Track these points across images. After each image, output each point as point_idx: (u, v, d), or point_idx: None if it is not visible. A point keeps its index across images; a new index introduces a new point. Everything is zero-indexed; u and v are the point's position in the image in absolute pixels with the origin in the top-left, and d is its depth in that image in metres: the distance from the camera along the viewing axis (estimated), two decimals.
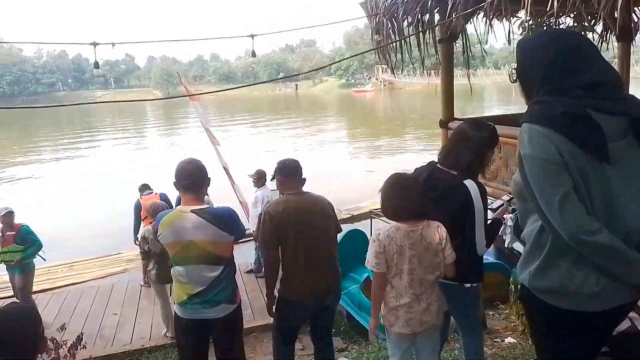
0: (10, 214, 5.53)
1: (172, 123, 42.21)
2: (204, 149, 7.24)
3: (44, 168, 21.10)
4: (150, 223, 5.35)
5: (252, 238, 6.70)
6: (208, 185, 2.85)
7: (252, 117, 42.80)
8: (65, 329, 5.22)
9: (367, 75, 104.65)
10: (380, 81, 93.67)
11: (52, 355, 4.19)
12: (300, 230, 2.95)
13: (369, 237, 6.47)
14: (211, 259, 2.70)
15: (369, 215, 10.46)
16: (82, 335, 4.29)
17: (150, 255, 5.01)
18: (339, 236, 5.91)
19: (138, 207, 6.72)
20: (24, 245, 5.54)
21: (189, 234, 2.64)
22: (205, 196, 6.98)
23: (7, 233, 5.46)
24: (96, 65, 4.65)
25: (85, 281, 7.74)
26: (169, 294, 5.25)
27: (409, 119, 36.98)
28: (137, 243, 6.91)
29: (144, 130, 39.08)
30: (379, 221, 6.53)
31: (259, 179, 6.52)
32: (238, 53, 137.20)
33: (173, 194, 6.43)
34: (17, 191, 16.10)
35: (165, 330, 5.20)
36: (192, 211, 2.65)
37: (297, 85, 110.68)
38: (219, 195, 7.62)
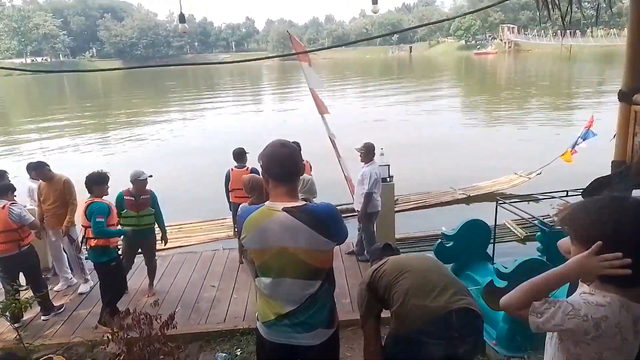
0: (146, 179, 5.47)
1: (284, 85, 42.90)
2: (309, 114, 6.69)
3: (170, 126, 22.55)
4: (239, 198, 4.96)
5: (356, 215, 6.10)
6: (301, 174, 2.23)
7: (362, 81, 41.75)
8: (159, 305, 5.23)
9: (489, 36, 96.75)
10: (505, 42, 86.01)
11: (145, 331, 4.01)
12: None
13: (491, 228, 5.57)
14: (307, 271, 2.10)
15: (490, 198, 9.30)
16: (174, 314, 4.08)
17: None
18: (457, 224, 5.14)
19: (227, 179, 6.56)
20: (154, 209, 5.55)
21: (279, 239, 2.05)
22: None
23: (142, 197, 5.43)
24: (181, 18, 4.21)
25: (191, 245, 7.80)
26: None
27: (539, 86, 33.13)
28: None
29: (260, 92, 40.17)
30: (505, 210, 5.49)
31: (367, 153, 5.80)
32: (353, 14, 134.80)
33: None
34: (142, 149, 17.29)
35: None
36: (285, 209, 2.04)
37: (411, 47, 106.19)
38: (322, 167, 7.20)
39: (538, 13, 4.46)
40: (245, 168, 6.46)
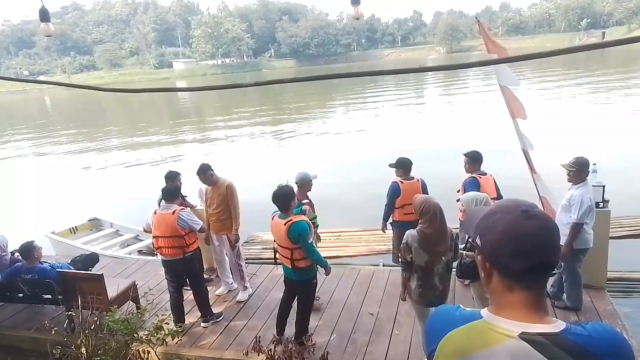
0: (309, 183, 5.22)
1: (451, 81, 40.56)
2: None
3: (336, 123, 22.85)
4: (408, 215, 4.05)
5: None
6: None
7: (543, 73, 37.08)
8: (315, 328, 4.71)
9: None
10: None
11: None
12: None
13: None
14: None
15: None
16: (327, 355, 3.50)
17: (413, 268, 3.78)
18: None
19: (396, 192, 5.51)
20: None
21: None
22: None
23: (305, 201, 5.15)
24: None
25: (348, 256, 7.27)
26: None
27: None
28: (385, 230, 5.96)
29: (424, 87, 38.69)
30: None
31: (579, 172, 4.43)
32: (532, 0, 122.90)
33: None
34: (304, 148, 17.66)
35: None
36: (525, 337, 1.07)
37: (604, 33, 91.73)
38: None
39: None
40: (416, 180, 5.61)
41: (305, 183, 5.11)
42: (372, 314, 5.12)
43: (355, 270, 6.34)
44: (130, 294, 5.35)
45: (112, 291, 4.99)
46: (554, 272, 4.64)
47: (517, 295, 1.13)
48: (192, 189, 6.38)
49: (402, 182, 5.50)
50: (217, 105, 37.87)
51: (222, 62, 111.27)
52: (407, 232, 3.84)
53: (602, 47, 1.56)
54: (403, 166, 5.61)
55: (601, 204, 4.93)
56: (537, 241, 1.11)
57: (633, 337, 4.20)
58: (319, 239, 5.54)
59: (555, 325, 1.09)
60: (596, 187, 4.83)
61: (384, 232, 6.03)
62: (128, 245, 8.05)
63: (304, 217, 4.27)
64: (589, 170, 4.54)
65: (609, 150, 11.41)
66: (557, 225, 1.17)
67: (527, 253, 1.10)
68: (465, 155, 5.42)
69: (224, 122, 26.69)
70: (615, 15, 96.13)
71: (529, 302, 1.12)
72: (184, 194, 5.70)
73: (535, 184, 4.97)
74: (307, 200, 5.21)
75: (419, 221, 3.76)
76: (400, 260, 3.89)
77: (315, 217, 5.27)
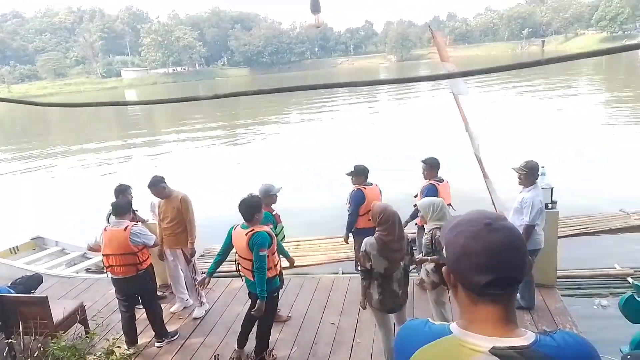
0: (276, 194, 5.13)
1: (403, 87, 41.48)
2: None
3: (291, 132, 22.79)
4: (372, 228, 4.04)
5: None
6: None
7: (487, 80, 38.63)
8: (276, 341, 4.55)
9: None
10: None
11: None
12: None
13: None
14: None
15: None
16: None
17: (373, 276, 3.77)
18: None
19: (361, 199, 5.45)
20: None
21: None
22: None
23: (274, 213, 5.08)
24: None
25: (308, 265, 7.21)
26: (393, 326, 4.02)
27: None
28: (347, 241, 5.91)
29: (377, 93, 39.39)
30: None
31: (529, 175, 4.58)
32: (477, 10, 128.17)
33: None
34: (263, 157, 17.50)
35: None
36: (496, 352, 1.06)
37: (543, 41, 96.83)
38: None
39: None
40: (374, 185, 5.60)
41: (268, 196, 4.96)
42: (333, 323, 5.07)
43: (315, 279, 6.28)
44: (78, 316, 5.02)
45: (57, 314, 4.68)
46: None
47: (482, 308, 1.11)
48: (144, 202, 6.14)
49: (365, 189, 5.49)
50: (169, 115, 36.97)
51: (174, 70, 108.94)
52: (365, 240, 3.83)
53: (600, 55, 1.54)
54: (361, 173, 5.61)
55: (550, 205, 5.13)
56: (499, 255, 1.08)
57: (583, 333, 4.36)
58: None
59: (525, 337, 1.07)
60: (545, 189, 5.02)
61: (347, 242, 5.87)
62: (75, 264, 7.63)
63: (266, 228, 4.15)
64: (539, 173, 4.70)
65: (553, 153, 11.96)
66: (523, 239, 1.14)
67: (487, 267, 1.08)
68: (424, 161, 5.50)
69: (177, 132, 26.04)
70: (553, 24, 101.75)
71: (495, 316, 1.10)
72: (134, 208, 5.46)
73: (488, 187, 5.11)
74: (274, 213, 5.11)
75: (377, 229, 3.75)
76: (359, 268, 3.87)
77: (283, 228, 5.18)
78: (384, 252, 3.68)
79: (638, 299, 3.91)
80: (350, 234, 5.76)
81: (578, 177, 10.00)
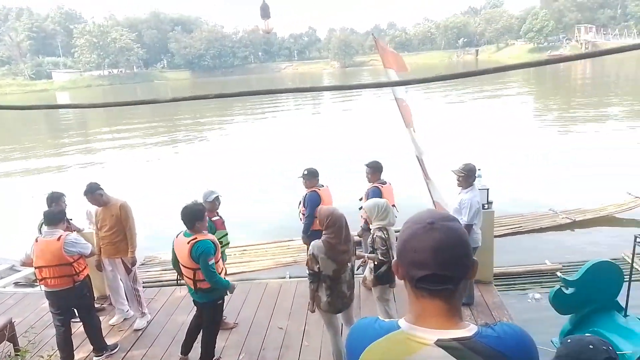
0: (218, 199, 4.96)
1: (347, 94, 42.19)
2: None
3: (234, 136, 22.45)
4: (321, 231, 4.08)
5: None
6: None
7: (428, 85, 40.05)
8: (222, 349, 4.56)
9: (564, 37, 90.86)
10: (581, 44, 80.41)
11: None
12: None
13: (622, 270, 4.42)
14: None
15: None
16: None
17: (321, 278, 3.79)
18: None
19: (317, 201, 5.35)
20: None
21: None
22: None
23: (214, 219, 4.89)
24: None
25: (255, 271, 7.14)
26: (340, 326, 4.06)
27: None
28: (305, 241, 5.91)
29: (320, 96, 39.76)
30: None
31: (468, 177, 4.81)
32: (416, 20, 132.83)
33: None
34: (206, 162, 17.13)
35: None
36: (441, 344, 1.11)
37: (477, 50, 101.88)
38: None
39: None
40: (326, 187, 5.60)
41: (205, 202, 4.81)
42: (281, 327, 5.05)
43: (262, 284, 6.23)
44: (7, 333, 4.67)
45: None
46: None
47: (424, 303, 1.16)
48: (79, 211, 5.83)
49: (319, 190, 5.50)
50: (104, 119, 35.34)
51: (110, 72, 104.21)
52: (312, 243, 3.86)
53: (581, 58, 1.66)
54: (314, 176, 5.62)
55: (486, 205, 5.40)
56: (434, 253, 1.13)
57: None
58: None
59: (468, 329, 1.13)
60: (482, 190, 5.29)
61: (306, 244, 5.88)
62: (2, 278, 7.10)
63: (210, 237, 4.07)
64: (475, 175, 4.94)
65: (489, 156, 12.59)
66: (465, 240, 1.18)
67: (422, 263, 1.13)
68: (367, 165, 5.62)
69: (113, 138, 24.91)
70: (486, 35, 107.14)
71: (438, 310, 1.15)
72: (69, 217, 5.17)
73: (429, 190, 5.30)
74: (217, 217, 5.01)
75: (324, 232, 3.79)
76: (307, 271, 3.88)
77: (226, 235, 5.07)
78: (331, 255, 3.72)
79: (565, 291, 4.19)
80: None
81: (512, 179, 10.59)
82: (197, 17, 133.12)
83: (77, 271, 4.41)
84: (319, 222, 3.90)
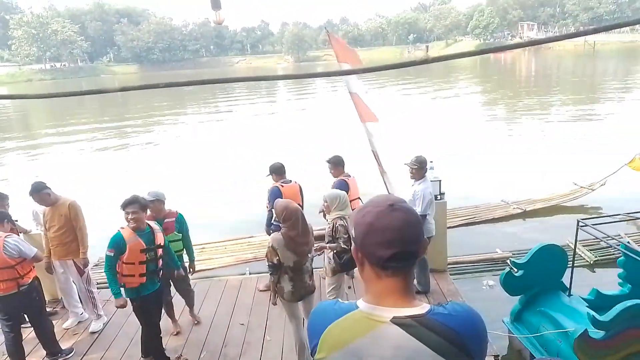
0: (160, 202, 4.68)
1: (302, 88, 42.20)
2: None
3: (187, 133, 21.94)
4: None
5: None
6: None
7: (378, 81, 40.78)
8: (183, 348, 4.44)
9: (508, 34, 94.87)
10: (525, 40, 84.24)
11: None
12: None
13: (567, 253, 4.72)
14: None
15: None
16: None
17: (283, 270, 3.83)
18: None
19: (278, 196, 5.25)
20: (181, 234, 4.79)
21: None
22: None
23: (166, 220, 4.66)
24: None
25: (214, 268, 7.06)
26: (302, 315, 4.11)
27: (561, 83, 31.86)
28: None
29: (275, 92, 39.57)
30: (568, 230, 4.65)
31: (420, 169, 4.96)
32: (368, 15, 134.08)
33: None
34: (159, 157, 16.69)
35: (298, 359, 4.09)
36: (397, 321, 1.18)
37: (427, 46, 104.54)
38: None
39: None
40: (294, 183, 5.59)
41: (151, 202, 4.54)
42: (242, 324, 5.03)
43: (222, 281, 6.19)
44: None
45: None
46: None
47: (385, 282, 1.24)
48: (24, 211, 5.56)
49: (282, 186, 5.47)
50: (48, 115, 33.64)
51: (52, 66, 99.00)
52: (271, 236, 3.93)
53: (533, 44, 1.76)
54: (278, 171, 5.61)
55: (439, 196, 5.60)
56: (400, 232, 1.21)
57: None
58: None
59: (421, 307, 1.22)
60: (434, 181, 5.47)
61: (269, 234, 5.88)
62: None
63: (124, 230, 4.06)
64: (427, 167, 5.11)
65: (441, 148, 12.97)
66: (420, 220, 1.29)
67: (390, 242, 1.21)
68: (328, 161, 5.65)
69: (58, 135, 23.72)
70: (435, 31, 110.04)
71: (396, 288, 1.24)
72: (14, 219, 4.92)
73: (385, 182, 5.43)
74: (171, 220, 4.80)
75: (282, 225, 3.83)
76: (267, 264, 3.90)
77: (177, 240, 4.79)
78: (291, 247, 3.77)
79: (515, 274, 4.45)
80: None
81: (465, 172, 10.96)
82: (144, 9, 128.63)
83: (22, 274, 4.20)
84: (276, 216, 3.95)
